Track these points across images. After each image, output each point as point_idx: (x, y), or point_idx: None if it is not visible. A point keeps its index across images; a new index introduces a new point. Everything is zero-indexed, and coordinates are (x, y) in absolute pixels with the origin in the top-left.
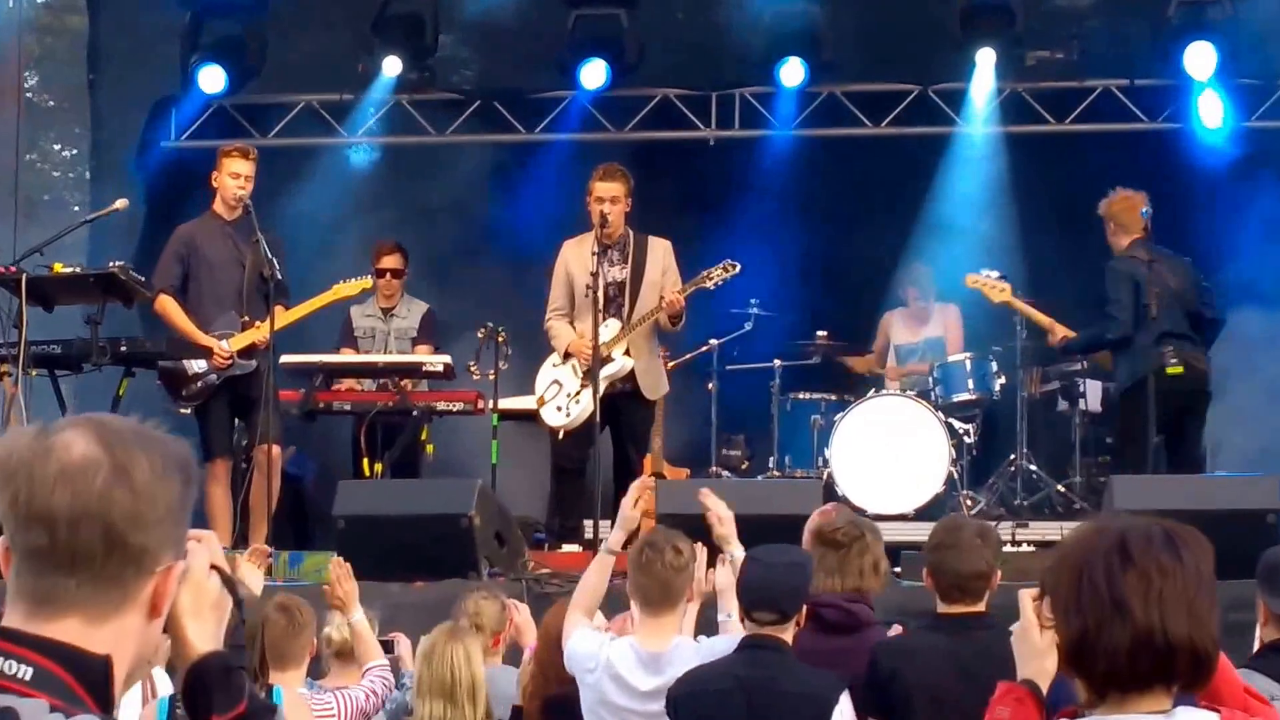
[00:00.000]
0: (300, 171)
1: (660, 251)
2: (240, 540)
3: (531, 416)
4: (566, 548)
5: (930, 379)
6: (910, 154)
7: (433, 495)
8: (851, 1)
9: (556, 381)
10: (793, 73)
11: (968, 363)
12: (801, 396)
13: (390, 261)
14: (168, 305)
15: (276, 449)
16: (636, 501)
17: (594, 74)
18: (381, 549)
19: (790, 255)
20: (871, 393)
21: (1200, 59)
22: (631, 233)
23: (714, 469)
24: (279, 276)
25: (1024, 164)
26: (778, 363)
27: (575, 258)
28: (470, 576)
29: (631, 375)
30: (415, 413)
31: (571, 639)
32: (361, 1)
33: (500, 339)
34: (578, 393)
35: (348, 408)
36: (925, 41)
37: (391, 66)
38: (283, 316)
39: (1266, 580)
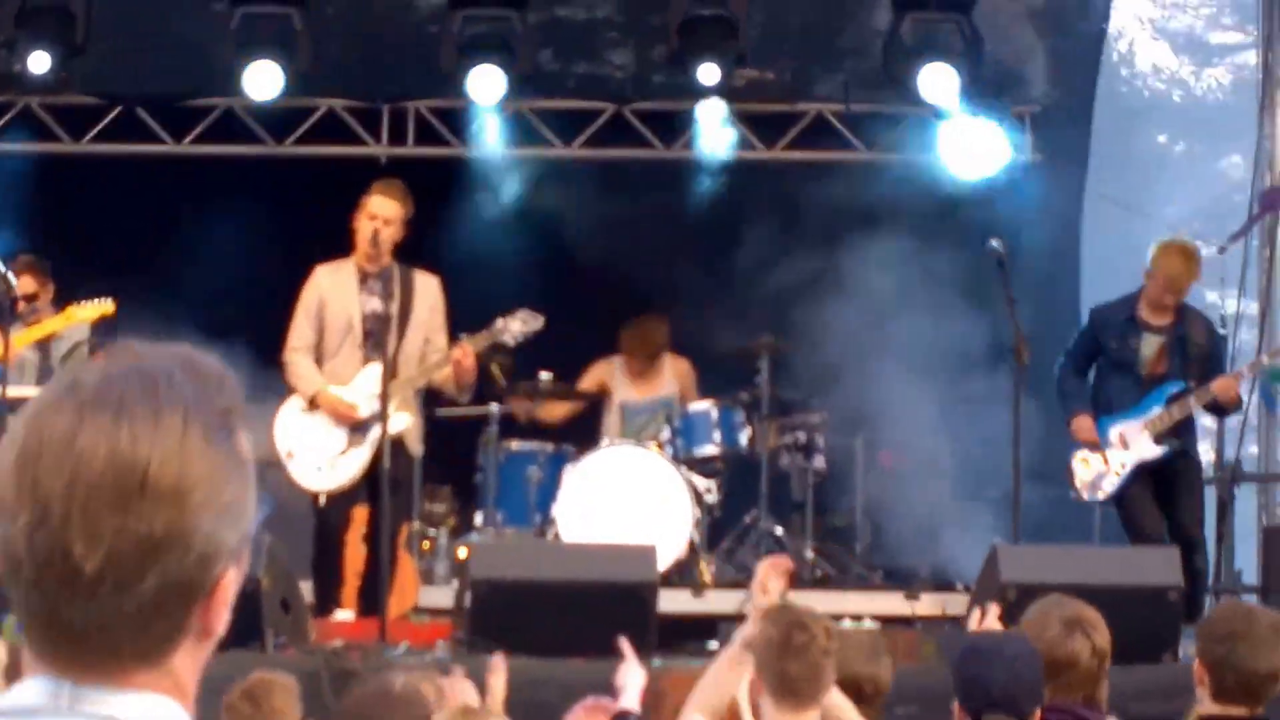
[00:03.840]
0: None
1: (431, 288)
2: None
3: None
4: (340, 615)
5: (669, 429)
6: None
7: None
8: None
9: (308, 434)
10: (488, 85)
11: (713, 412)
12: (515, 446)
13: (26, 285)
14: None
15: None
16: (767, 586)
17: (265, 80)
18: None
19: (502, 288)
20: (606, 442)
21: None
22: (397, 265)
23: (415, 523)
24: (15, 295)
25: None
26: (494, 407)
27: (332, 285)
28: (254, 648)
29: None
30: None
31: None
32: None
33: None
34: (343, 450)
35: None
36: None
37: (39, 63)
38: (15, 341)
39: None
